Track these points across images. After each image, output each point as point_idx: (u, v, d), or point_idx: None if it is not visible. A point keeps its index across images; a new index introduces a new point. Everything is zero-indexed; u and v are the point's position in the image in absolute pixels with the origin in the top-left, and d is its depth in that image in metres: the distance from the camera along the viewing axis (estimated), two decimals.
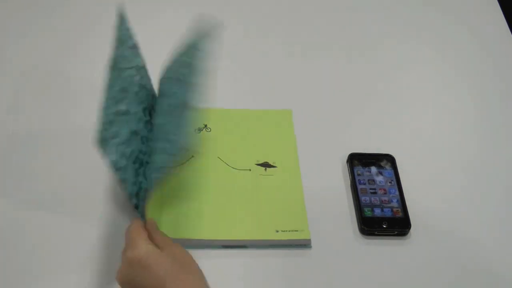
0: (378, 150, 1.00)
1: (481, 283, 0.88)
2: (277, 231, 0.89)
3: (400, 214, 0.92)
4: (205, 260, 0.81)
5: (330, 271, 0.88)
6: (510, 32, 1.19)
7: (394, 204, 0.93)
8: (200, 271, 0.78)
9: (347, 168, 0.97)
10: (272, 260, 0.88)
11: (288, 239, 0.89)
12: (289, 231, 0.89)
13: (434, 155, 1.02)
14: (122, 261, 0.79)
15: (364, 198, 0.93)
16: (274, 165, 0.96)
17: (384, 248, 0.90)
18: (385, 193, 0.94)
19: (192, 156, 0.95)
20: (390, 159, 0.98)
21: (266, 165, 0.96)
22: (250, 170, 0.95)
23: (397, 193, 0.94)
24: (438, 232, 0.92)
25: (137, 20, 1.12)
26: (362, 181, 0.95)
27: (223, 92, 1.05)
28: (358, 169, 0.96)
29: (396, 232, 0.91)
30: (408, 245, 0.91)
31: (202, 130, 0.99)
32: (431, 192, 0.97)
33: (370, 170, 0.96)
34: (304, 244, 0.89)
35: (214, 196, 0.92)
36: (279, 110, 1.04)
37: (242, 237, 0.88)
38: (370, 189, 0.94)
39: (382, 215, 0.92)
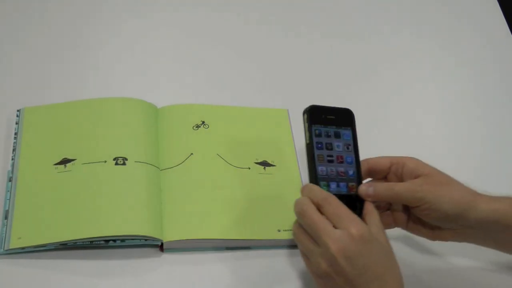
0: (378, 150, 0.99)
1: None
2: (279, 231, 0.89)
3: (354, 191, 0.79)
4: (209, 263, 0.82)
5: None
6: (510, 32, 1.19)
7: (350, 176, 0.80)
8: None
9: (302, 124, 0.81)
10: (275, 260, 0.88)
11: (291, 239, 0.87)
12: (291, 230, 0.88)
13: (434, 156, 1.01)
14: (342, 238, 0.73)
15: (321, 169, 0.78)
16: (273, 164, 0.95)
17: None
18: (341, 162, 0.79)
19: (191, 154, 0.94)
20: (348, 116, 0.82)
21: (265, 164, 0.95)
22: (249, 168, 0.94)
23: (354, 162, 0.80)
24: None
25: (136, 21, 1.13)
26: (320, 145, 0.79)
27: (217, 88, 1.05)
28: (317, 128, 0.80)
29: None
30: None
31: (200, 126, 0.97)
32: None
33: (329, 130, 0.80)
34: None
35: (216, 195, 0.91)
36: (275, 109, 1.03)
37: (245, 236, 0.88)
38: (328, 156, 0.79)
39: (338, 191, 0.78)
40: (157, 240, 0.86)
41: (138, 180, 0.90)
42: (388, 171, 0.82)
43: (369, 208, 0.78)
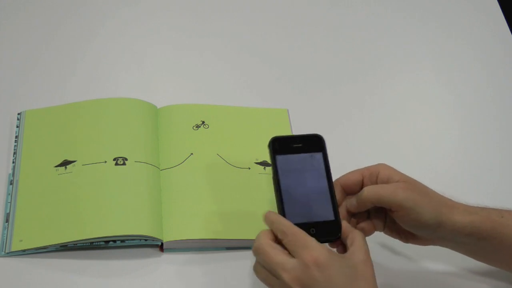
0: (378, 151, 0.99)
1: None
2: None
3: (330, 217, 0.76)
4: (209, 263, 0.82)
5: None
6: (510, 32, 1.19)
7: (323, 202, 0.77)
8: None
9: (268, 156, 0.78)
10: None
11: None
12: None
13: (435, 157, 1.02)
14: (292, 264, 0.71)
15: (288, 198, 0.76)
16: None
17: None
18: (312, 189, 0.77)
19: (191, 154, 0.94)
20: (318, 142, 0.79)
21: (265, 164, 0.95)
22: (249, 168, 0.94)
23: (326, 187, 0.77)
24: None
25: (134, 23, 1.14)
26: (286, 175, 0.76)
27: (217, 88, 1.05)
28: (282, 158, 0.77)
29: (324, 239, 0.75)
30: None
31: (200, 126, 0.98)
32: None
33: (296, 158, 0.78)
34: None
35: (215, 195, 0.91)
36: (275, 109, 1.03)
37: (245, 236, 0.87)
38: (296, 184, 0.76)
39: (310, 219, 0.75)
40: (157, 240, 0.86)
41: (138, 180, 0.90)
42: (361, 185, 0.80)
43: (350, 233, 0.75)
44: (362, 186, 0.80)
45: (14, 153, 0.94)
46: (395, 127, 1.04)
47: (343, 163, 0.98)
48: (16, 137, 0.96)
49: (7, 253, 0.85)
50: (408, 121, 1.05)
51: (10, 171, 0.92)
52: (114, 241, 0.85)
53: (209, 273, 0.86)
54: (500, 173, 1.00)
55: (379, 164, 0.80)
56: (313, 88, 1.08)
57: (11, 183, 0.91)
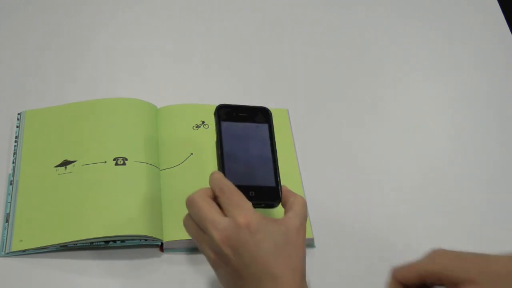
0: (378, 150, 0.99)
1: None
2: None
3: (270, 183, 0.78)
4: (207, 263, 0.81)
5: (334, 270, 0.88)
6: (510, 32, 1.19)
7: (265, 170, 0.78)
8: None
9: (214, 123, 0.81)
10: None
11: None
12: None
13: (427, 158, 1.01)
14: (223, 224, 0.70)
15: (229, 164, 0.77)
16: None
17: None
18: (254, 157, 0.79)
19: (191, 154, 0.94)
20: (265, 114, 0.83)
21: None
22: None
23: (270, 157, 0.79)
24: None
25: (134, 23, 1.14)
26: (229, 141, 0.79)
27: (217, 88, 1.05)
28: (227, 125, 0.80)
29: (263, 204, 0.77)
30: None
31: (200, 126, 0.98)
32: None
33: (241, 126, 0.80)
34: (307, 244, 0.88)
35: None
36: (275, 109, 1.02)
37: None
38: (238, 151, 0.79)
39: (249, 183, 0.77)
40: (157, 240, 0.86)
41: (138, 180, 0.90)
42: (419, 285, 0.69)
43: (290, 197, 0.75)
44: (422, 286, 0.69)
45: (14, 153, 0.94)
46: (395, 127, 1.04)
47: (343, 163, 0.99)
48: (16, 137, 0.96)
49: (7, 253, 0.85)
50: (408, 121, 1.05)
51: (10, 171, 0.92)
52: (114, 241, 0.85)
53: (209, 273, 0.85)
54: (500, 173, 1.00)
55: (435, 262, 0.68)
56: (313, 88, 1.08)
57: (11, 183, 0.91)
